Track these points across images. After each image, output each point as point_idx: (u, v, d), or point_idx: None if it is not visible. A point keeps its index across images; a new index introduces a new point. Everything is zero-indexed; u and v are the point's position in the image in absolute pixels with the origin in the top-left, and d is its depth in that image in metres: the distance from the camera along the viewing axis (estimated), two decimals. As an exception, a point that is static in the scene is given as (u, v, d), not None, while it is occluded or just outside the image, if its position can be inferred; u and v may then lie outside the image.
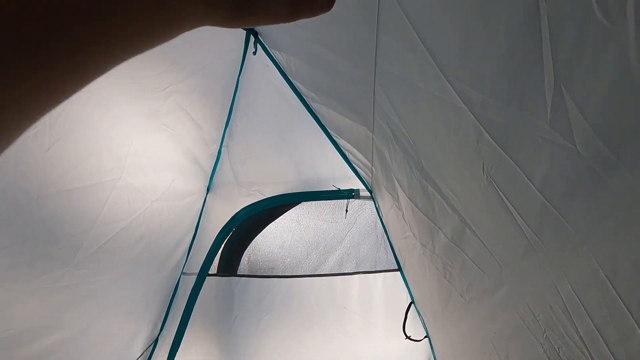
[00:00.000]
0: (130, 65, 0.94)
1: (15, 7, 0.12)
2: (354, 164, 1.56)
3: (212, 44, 1.15)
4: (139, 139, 1.20)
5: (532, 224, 0.63)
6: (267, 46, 1.24)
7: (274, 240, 1.81)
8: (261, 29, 1.18)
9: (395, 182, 1.19)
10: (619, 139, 0.43)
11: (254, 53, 1.20)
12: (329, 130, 1.46)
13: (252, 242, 1.83)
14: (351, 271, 1.79)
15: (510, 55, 0.50)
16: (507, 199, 0.66)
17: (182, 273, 1.81)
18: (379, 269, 1.77)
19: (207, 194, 1.74)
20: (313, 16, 0.26)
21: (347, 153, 1.52)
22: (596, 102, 0.43)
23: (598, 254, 0.53)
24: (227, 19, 0.21)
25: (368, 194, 1.64)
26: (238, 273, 1.80)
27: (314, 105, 1.37)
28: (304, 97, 1.35)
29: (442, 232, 0.98)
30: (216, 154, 1.61)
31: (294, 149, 1.58)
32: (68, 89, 0.15)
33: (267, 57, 1.23)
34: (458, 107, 0.67)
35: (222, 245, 1.78)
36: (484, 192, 0.72)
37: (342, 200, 1.69)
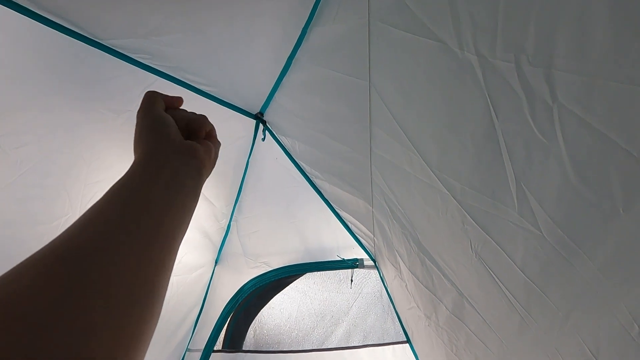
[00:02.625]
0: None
1: None
2: (357, 235, 1.62)
3: (226, 132, 1.30)
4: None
5: (520, 300, 0.68)
6: (274, 132, 1.39)
7: (280, 312, 1.80)
8: (269, 118, 1.35)
9: (396, 253, 1.24)
10: (575, 229, 0.50)
11: (263, 139, 1.35)
12: (331, 203, 1.55)
13: (258, 314, 1.82)
14: (359, 344, 1.74)
15: (478, 158, 0.61)
16: (495, 275, 0.72)
17: (187, 350, 1.77)
18: (387, 342, 1.73)
19: (215, 266, 1.78)
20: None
21: (349, 224, 1.59)
22: (551, 199, 0.52)
23: (581, 330, 0.57)
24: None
25: (372, 263, 1.67)
26: (244, 348, 1.76)
27: (317, 182, 1.48)
28: (308, 175, 1.47)
29: (443, 304, 1.01)
30: (226, 227, 1.69)
31: (299, 221, 1.66)
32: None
33: (274, 145, 1.38)
34: (443, 193, 0.76)
35: (228, 319, 1.77)
36: (475, 268, 0.78)
37: (347, 270, 1.72)
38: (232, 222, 1.70)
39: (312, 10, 0.79)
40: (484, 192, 0.64)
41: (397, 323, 1.71)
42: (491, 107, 0.54)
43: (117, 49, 0.89)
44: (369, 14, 0.72)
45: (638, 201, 0.40)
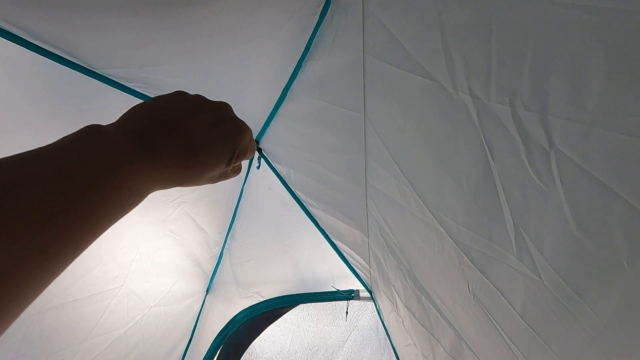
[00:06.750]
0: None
1: None
2: (352, 265, 1.58)
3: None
4: (145, 245, 1.26)
5: (521, 347, 0.64)
6: (269, 160, 1.38)
7: (272, 345, 1.73)
8: (265, 146, 1.34)
9: (392, 287, 1.20)
10: (577, 279, 0.48)
11: (258, 167, 1.34)
12: (327, 232, 1.52)
13: (249, 347, 1.75)
14: (354, 381, 1.66)
15: (474, 198, 0.59)
16: (494, 320, 0.68)
17: (173, 384, 1.68)
18: (383, 379, 1.65)
19: (206, 295, 1.72)
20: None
21: (345, 254, 1.55)
22: (550, 245, 0.49)
23: (587, 385, 0.53)
24: (176, 185, 0.29)
25: (368, 294, 1.62)
26: (233, 384, 1.68)
27: (313, 210, 1.46)
28: (303, 203, 1.45)
29: (440, 345, 0.96)
30: (218, 255, 1.65)
31: (293, 250, 1.62)
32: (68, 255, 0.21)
33: (269, 173, 1.36)
34: (439, 230, 0.74)
35: (218, 352, 1.70)
36: (473, 310, 0.74)
37: (342, 302, 1.66)
38: (224, 250, 1.66)
39: (306, 45, 0.80)
40: (481, 234, 0.62)
41: (395, 359, 1.64)
42: (487, 149, 0.53)
43: (112, 78, 0.89)
44: (363, 49, 0.72)
45: (643, 256, 0.38)
